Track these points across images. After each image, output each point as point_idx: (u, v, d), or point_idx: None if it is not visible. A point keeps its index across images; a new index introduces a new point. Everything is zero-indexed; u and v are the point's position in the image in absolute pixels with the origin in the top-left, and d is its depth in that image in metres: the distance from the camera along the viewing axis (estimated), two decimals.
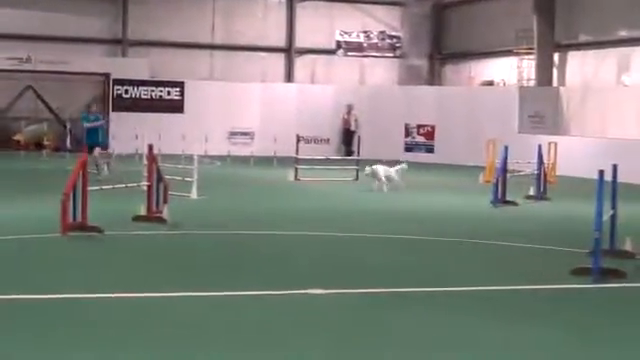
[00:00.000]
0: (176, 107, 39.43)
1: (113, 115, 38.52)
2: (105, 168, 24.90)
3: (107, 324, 8.61)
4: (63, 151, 34.28)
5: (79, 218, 14.26)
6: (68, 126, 36.36)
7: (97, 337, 8.10)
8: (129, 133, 32.38)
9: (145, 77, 39.54)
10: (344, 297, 10.24)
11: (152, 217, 15.82)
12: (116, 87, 38.99)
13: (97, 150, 24.46)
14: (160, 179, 16.29)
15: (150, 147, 16.53)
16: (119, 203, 17.45)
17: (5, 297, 9.59)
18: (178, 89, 39.64)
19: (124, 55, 40.71)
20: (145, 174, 17.30)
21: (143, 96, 39.24)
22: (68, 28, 39.12)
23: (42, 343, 7.90)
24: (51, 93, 38.87)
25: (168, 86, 39.61)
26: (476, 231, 15.95)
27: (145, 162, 18.68)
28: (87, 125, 25.20)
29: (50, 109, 38.59)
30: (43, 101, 38.56)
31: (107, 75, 39.08)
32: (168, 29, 40.68)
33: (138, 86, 39.16)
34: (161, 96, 39.42)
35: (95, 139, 24.74)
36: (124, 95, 39.04)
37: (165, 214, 15.91)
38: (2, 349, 7.65)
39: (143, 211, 15.95)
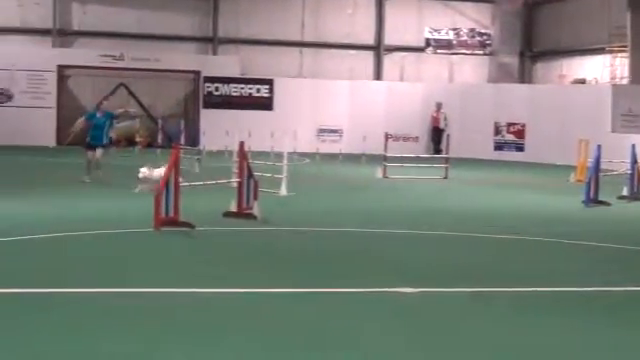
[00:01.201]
0: (265, 104, 39.64)
1: (203, 112, 38.95)
2: (196, 165, 25.18)
3: (198, 319, 8.67)
4: (154, 147, 34.73)
5: (171, 213, 14.42)
6: (160, 123, 36.87)
7: (188, 332, 8.16)
8: (219, 130, 32.62)
9: (235, 74, 39.84)
10: (434, 296, 10.17)
11: (242, 213, 15.94)
12: (206, 84, 39.37)
13: (99, 151, 22.62)
14: (250, 176, 16.39)
15: (241, 144, 16.63)
16: (210, 199, 17.61)
17: (101, 290, 9.74)
18: (267, 86, 39.85)
19: (215, 53, 41.07)
20: (235, 171, 17.43)
21: (233, 93, 39.55)
22: (160, 26, 39.63)
23: (137, 335, 8.01)
24: (143, 90, 39.45)
25: (258, 83, 39.84)
26: (570, 231, 15.70)
27: (235, 159, 18.82)
28: (91, 122, 23.17)
29: (142, 106, 39.14)
30: (135, 98, 39.13)
31: (198, 73, 39.49)
32: (258, 27, 40.90)
33: (228, 83, 39.48)
34: (251, 93, 39.68)
35: (99, 139, 22.80)
36: (214, 92, 39.40)
37: (255, 210, 16.01)
38: (102, 340, 7.76)
39: (233, 207, 16.08)
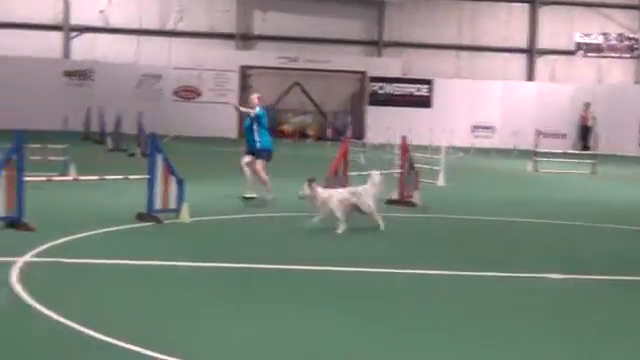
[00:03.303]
0: (424, 102, 39.50)
1: (368, 109, 39.11)
2: (362, 157, 25.30)
3: (365, 297, 8.72)
4: (324, 140, 35.10)
5: None
6: (329, 118, 37.24)
7: (357, 310, 8.21)
8: (382, 125, 32.71)
9: (397, 75, 39.84)
10: (583, 283, 9.91)
11: (404, 201, 15.93)
12: (372, 84, 39.50)
13: (259, 162, 15.64)
14: (411, 167, 16.35)
15: (404, 138, 16.62)
16: None
17: (271, 267, 9.91)
18: (427, 86, 39.69)
19: (379, 55, 41.13)
20: (398, 162, 17.42)
21: (395, 92, 39.56)
22: (331, 31, 39.98)
23: (309, 313, 8.10)
24: (314, 89, 39.91)
25: (418, 83, 39.74)
26: None
27: (398, 152, 18.81)
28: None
29: (314, 103, 39.60)
30: (308, 96, 39.62)
31: (364, 73, 39.66)
32: (419, 31, 40.76)
33: (391, 83, 39.52)
34: (411, 92, 39.61)
35: (250, 143, 15.99)
36: (379, 91, 39.50)
37: (416, 199, 15.97)
38: (267, 316, 7.89)
39: (396, 195, 16.08)
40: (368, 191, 12.75)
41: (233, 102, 15.45)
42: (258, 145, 15.64)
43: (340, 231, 12.30)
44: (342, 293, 8.80)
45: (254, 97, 16.03)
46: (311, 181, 12.67)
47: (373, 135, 33.91)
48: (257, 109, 15.76)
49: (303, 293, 8.70)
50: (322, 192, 12.58)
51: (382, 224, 12.75)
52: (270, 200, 15.18)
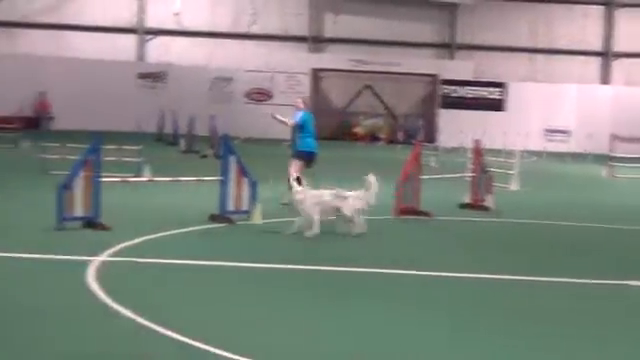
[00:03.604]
0: (497, 106, 39.15)
1: (440, 112, 38.90)
2: (433, 160, 25.15)
3: (447, 301, 8.67)
4: (395, 143, 35.02)
5: (411, 203, 14.47)
6: (400, 121, 37.14)
7: (439, 313, 8.16)
8: (454, 128, 32.51)
9: (469, 78, 39.55)
10: None
11: (476, 205, 15.79)
12: (443, 87, 39.28)
13: (294, 163, 15.18)
14: (484, 171, 16.21)
15: (477, 142, 16.48)
16: (446, 191, 17.56)
17: (344, 269, 9.90)
18: (499, 89, 39.32)
19: (452, 58, 40.87)
20: (470, 166, 17.28)
21: (467, 95, 39.27)
22: (402, 34, 39.88)
23: (393, 314, 8.07)
24: (385, 91, 39.84)
25: (490, 86, 39.39)
26: None
27: (470, 155, 18.66)
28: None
29: (385, 106, 39.54)
30: (379, 98, 39.57)
31: (435, 76, 39.45)
32: (492, 34, 40.41)
33: (463, 86, 39.24)
34: (484, 95, 39.27)
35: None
36: (451, 94, 39.26)
37: (488, 203, 15.83)
38: (347, 318, 7.89)
39: (468, 199, 15.96)
40: (360, 196, 12.26)
41: (272, 113, 15.12)
42: (296, 147, 15.42)
43: (310, 235, 11.85)
44: (421, 297, 8.76)
45: (298, 101, 15.53)
46: (299, 180, 12.51)
47: (445, 138, 33.73)
48: (300, 114, 15.25)
49: (384, 296, 8.67)
50: (299, 192, 12.14)
51: (360, 230, 12.16)
52: (285, 205, 13.99)
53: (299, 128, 15.27)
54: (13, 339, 6.76)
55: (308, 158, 15.19)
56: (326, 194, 12.22)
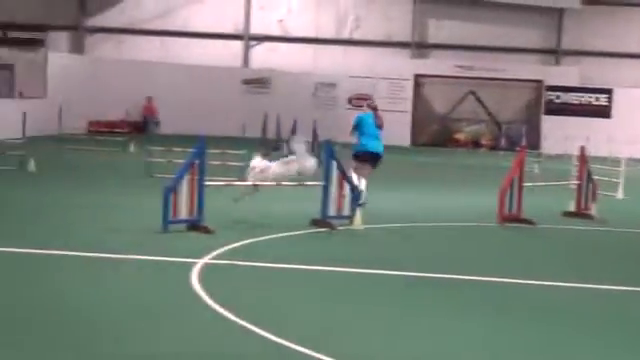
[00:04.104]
0: (603, 112, 38.28)
1: (544, 118, 38.28)
2: (536, 167, 24.78)
3: (550, 309, 8.54)
4: (498, 150, 34.62)
5: (514, 210, 14.29)
6: (503, 128, 36.69)
7: (544, 321, 8.06)
8: (558, 135, 31.95)
9: (575, 84, 38.81)
10: None
11: (581, 213, 15.48)
12: (548, 93, 38.65)
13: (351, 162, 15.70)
14: (589, 178, 15.89)
15: (582, 148, 16.16)
16: (549, 199, 17.28)
17: (448, 276, 9.83)
18: (606, 95, 38.46)
19: (557, 63, 40.17)
20: (575, 173, 16.96)
21: (573, 101, 38.55)
22: (507, 39, 39.37)
23: (499, 322, 7.99)
24: (489, 97, 39.43)
25: (597, 92, 38.57)
26: None
27: (575, 162, 18.30)
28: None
29: (488, 112, 39.13)
30: (482, 104, 39.19)
31: (540, 82, 38.85)
32: (599, 39, 39.53)
33: (568, 92, 38.55)
34: (590, 102, 38.49)
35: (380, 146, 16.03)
36: (555, 100, 38.59)
37: (593, 211, 15.50)
38: (463, 324, 7.84)
39: (572, 207, 15.66)
40: (274, 168, 13.28)
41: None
42: (353, 148, 15.98)
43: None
44: (517, 306, 8.64)
45: (365, 103, 16.69)
46: (265, 155, 13.70)
47: (549, 145, 33.15)
48: (358, 115, 16.09)
49: (483, 306, 8.59)
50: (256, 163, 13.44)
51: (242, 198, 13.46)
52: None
53: (355, 129, 15.85)
54: (120, 336, 6.95)
55: (362, 158, 15.58)
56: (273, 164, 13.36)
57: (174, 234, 11.51)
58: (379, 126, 16.01)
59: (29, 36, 35.26)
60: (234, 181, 14.45)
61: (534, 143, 35.44)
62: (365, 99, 38.31)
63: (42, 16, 38.39)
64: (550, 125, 37.35)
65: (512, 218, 14.17)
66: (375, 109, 16.29)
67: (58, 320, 7.36)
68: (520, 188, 14.39)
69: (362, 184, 15.17)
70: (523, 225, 14.06)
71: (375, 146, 15.68)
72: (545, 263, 11.21)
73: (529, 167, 22.62)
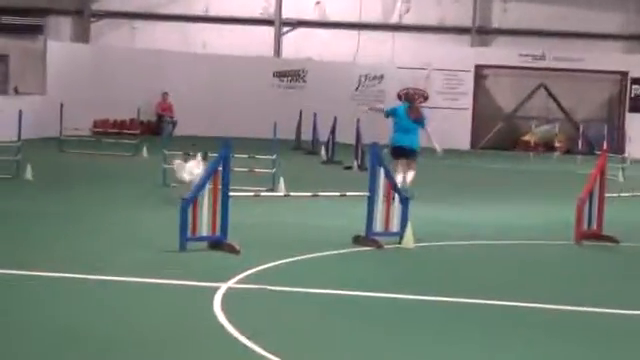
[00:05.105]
0: None
1: (629, 116, 37.98)
2: (620, 174, 24.60)
3: (634, 342, 8.49)
4: (574, 154, 34.40)
5: (594, 226, 14.18)
6: (581, 128, 36.44)
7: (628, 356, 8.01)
8: None
9: None
10: None
11: None
12: (634, 87, 38.33)
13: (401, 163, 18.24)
14: None
15: None
16: (636, 212, 17.13)
17: (511, 304, 9.78)
18: None
19: None
20: None
21: None
22: (585, 23, 39.11)
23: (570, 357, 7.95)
24: (563, 92, 39.17)
25: None
26: None
27: None
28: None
29: (562, 109, 38.88)
30: (555, 100, 38.94)
31: (625, 73, 38.53)
32: None
33: None
34: None
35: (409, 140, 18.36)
36: None
37: None
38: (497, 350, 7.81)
39: None
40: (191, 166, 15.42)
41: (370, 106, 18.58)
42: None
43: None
44: (593, 338, 8.58)
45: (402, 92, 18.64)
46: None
47: (634, 148, 32.88)
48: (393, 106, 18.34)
49: (555, 338, 8.55)
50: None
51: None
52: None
53: (386, 117, 18.41)
54: None
55: (392, 153, 17.79)
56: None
57: (194, 253, 11.55)
58: (415, 120, 17.82)
59: (26, 22, 35.66)
60: (263, 191, 14.50)
61: (617, 146, 35.15)
62: (417, 94, 38.56)
63: None
64: (636, 125, 37.02)
65: (591, 235, 14.06)
66: (412, 100, 18.55)
67: (61, 351, 7.41)
68: (601, 199, 14.27)
69: (399, 179, 16.59)
70: (604, 243, 13.95)
71: (402, 140, 17.74)
72: (629, 289, 11.11)
73: (611, 174, 22.45)
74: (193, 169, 15.41)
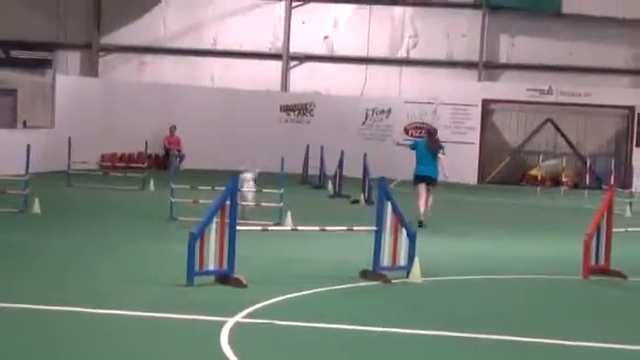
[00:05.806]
0: None
1: (636, 151, 37.94)
2: (628, 209, 24.54)
3: None
4: (582, 188, 34.37)
5: (602, 261, 14.15)
6: (588, 162, 36.41)
7: None
8: None
9: None
10: None
11: None
12: None
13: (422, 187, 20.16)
14: None
15: None
16: None
17: (516, 339, 9.75)
18: None
19: None
20: None
21: None
22: (592, 58, 39.17)
23: None
24: (570, 126, 39.18)
25: None
26: None
27: None
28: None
29: (569, 143, 38.88)
30: (562, 135, 38.95)
31: (632, 108, 38.54)
32: None
33: None
34: None
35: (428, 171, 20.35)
36: None
37: None
38: None
39: None
40: None
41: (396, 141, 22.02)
42: None
43: None
44: None
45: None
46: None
47: None
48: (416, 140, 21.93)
49: None
50: None
51: None
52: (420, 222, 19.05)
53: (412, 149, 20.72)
54: None
55: (414, 182, 20.26)
56: None
57: (201, 287, 11.54)
58: (433, 149, 20.06)
59: (35, 56, 35.80)
60: (270, 225, 14.50)
61: (624, 180, 35.12)
62: (425, 128, 38.58)
63: (49, 33, 39.08)
64: None
65: (599, 270, 14.03)
66: (430, 133, 21.66)
67: None
68: (609, 235, 14.25)
69: (421, 205, 19.67)
70: (612, 278, 13.91)
71: (422, 170, 20.09)
72: (637, 325, 11.06)
73: (619, 209, 22.42)
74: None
